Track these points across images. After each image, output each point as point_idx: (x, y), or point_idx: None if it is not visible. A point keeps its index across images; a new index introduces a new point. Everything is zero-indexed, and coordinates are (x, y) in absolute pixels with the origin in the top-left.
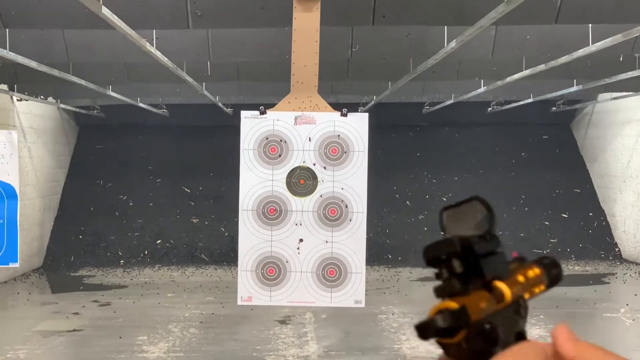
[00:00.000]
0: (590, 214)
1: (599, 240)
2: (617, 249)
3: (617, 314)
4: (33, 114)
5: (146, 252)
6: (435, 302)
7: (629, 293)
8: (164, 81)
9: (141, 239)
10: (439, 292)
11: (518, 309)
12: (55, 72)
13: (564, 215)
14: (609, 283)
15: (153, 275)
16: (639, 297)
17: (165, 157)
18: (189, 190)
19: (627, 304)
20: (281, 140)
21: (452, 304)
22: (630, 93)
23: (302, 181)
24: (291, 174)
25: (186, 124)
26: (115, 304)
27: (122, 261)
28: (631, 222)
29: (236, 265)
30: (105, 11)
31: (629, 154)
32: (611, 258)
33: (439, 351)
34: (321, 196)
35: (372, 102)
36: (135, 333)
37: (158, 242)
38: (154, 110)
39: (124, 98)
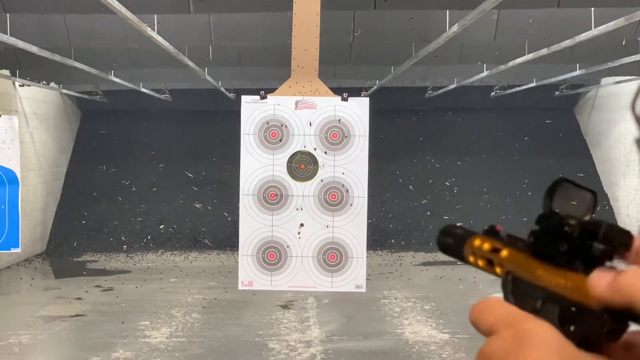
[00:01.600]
0: None
1: None
2: None
3: None
4: (35, 99)
5: (149, 237)
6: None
7: None
8: (166, 66)
9: (144, 224)
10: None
11: None
12: (57, 58)
13: None
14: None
15: (156, 260)
16: None
17: (168, 142)
18: (192, 175)
19: None
20: (282, 125)
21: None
22: (634, 77)
23: (302, 166)
24: (292, 158)
25: (189, 109)
26: (118, 289)
27: (125, 246)
28: (634, 206)
29: (239, 249)
30: None
31: (632, 138)
32: None
33: (441, 335)
34: (322, 181)
35: (375, 87)
36: (137, 318)
37: (161, 227)
38: (157, 95)
39: (126, 83)
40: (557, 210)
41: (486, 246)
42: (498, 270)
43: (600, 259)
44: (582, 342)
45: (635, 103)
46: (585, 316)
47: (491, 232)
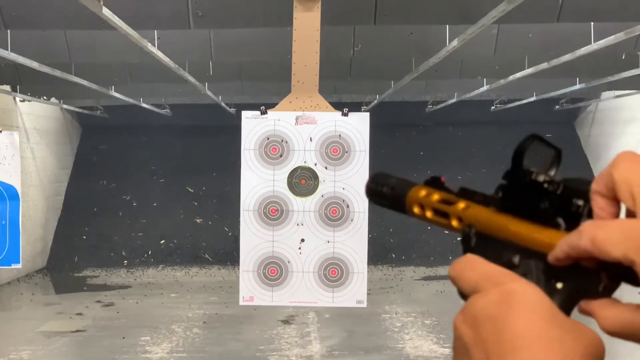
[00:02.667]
0: None
1: None
2: None
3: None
4: (36, 114)
5: (150, 253)
6: None
7: (634, 291)
8: (166, 81)
9: (145, 239)
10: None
11: None
12: (58, 73)
13: None
14: None
15: (157, 276)
16: None
17: (168, 157)
18: (192, 190)
19: None
20: (282, 140)
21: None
22: (634, 91)
23: (303, 181)
24: (292, 174)
25: (189, 124)
26: (118, 305)
27: (125, 261)
28: None
29: (239, 265)
30: (106, 12)
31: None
32: None
33: (442, 350)
34: (322, 196)
35: (375, 102)
36: (138, 333)
37: (162, 242)
38: (157, 110)
39: (126, 98)
40: (530, 168)
41: (436, 197)
42: (454, 223)
43: (582, 216)
44: (569, 300)
45: None
46: (575, 273)
47: (435, 183)
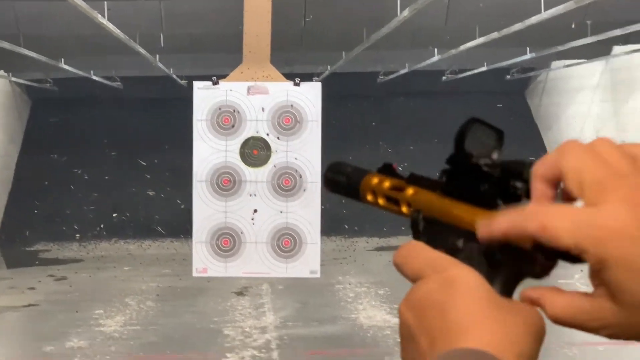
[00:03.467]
0: None
1: None
2: None
3: (571, 279)
4: None
5: (102, 226)
6: None
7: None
8: (117, 54)
9: (97, 213)
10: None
11: None
12: (6, 45)
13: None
14: None
15: (109, 249)
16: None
17: (120, 130)
18: (144, 163)
19: (582, 270)
20: (234, 111)
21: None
22: (583, 60)
23: (255, 151)
24: (245, 144)
25: (141, 96)
26: (71, 278)
27: (77, 235)
28: None
29: (192, 236)
30: None
31: (582, 120)
32: None
33: (395, 320)
34: (275, 166)
35: (327, 72)
36: (91, 307)
37: (114, 215)
38: (108, 83)
39: (77, 71)
40: (471, 151)
41: (387, 184)
42: (404, 209)
43: (521, 198)
44: (509, 281)
45: None
46: (513, 254)
47: (387, 170)
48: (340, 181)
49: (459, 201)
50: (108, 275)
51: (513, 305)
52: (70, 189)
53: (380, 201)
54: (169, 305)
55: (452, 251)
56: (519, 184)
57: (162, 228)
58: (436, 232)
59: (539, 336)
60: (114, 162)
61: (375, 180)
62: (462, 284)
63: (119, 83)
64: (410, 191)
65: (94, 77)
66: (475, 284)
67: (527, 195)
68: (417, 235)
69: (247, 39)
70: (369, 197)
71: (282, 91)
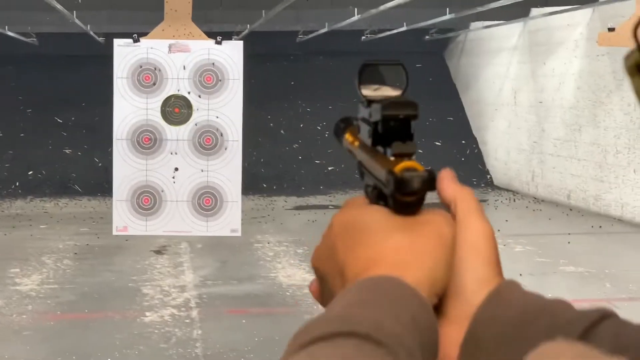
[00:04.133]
0: (463, 141)
1: (472, 167)
2: (488, 177)
3: None
4: None
5: (17, 184)
6: None
7: (501, 219)
8: (33, 9)
9: (12, 171)
10: (399, 149)
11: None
12: None
13: (437, 143)
14: None
15: (25, 207)
16: (510, 223)
17: (35, 88)
18: (61, 121)
19: (499, 230)
20: (155, 69)
21: (419, 166)
22: (502, 22)
23: (177, 110)
24: (166, 102)
25: (57, 53)
26: None
27: None
28: (502, 149)
29: (111, 196)
30: None
31: (500, 82)
32: (483, 185)
33: (312, 277)
34: (196, 124)
35: (246, 31)
36: (6, 265)
37: (30, 173)
38: (23, 39)
39: None
40: (368, 96)
41: (349, 139)
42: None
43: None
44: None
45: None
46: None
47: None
48: (337, 137)
49: (367, 151)
50: (24, 234)
51: (421, 222)
52: None
53: (350, 152)
54: (86, 264)
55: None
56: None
57: (79, 186)
58: (362, 173)
59: (450, 244)
60: (30, 120)
61: (348, 135)
62: (368, 207)
63: (34, 39)
64: (355, 144)
65: (9, 33)
66: (384, 215)
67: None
68: (362, 177)
69: None
70: (348, 151)
71: (203, 49)
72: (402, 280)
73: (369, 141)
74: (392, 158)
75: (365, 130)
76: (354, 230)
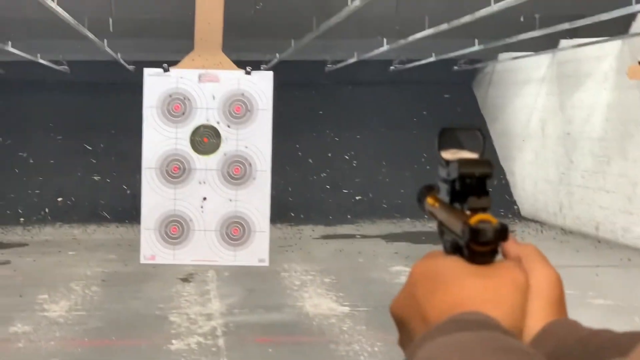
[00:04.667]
0: None
1: (499, 198)
2: (516, 207)
3: None
4: None
5: (47, 210)
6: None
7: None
8: (64, 37)
9: (42, 197)
10: (474, 203)
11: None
12: None
13: None
14: None
15: (54, 233)
16: None
17: (66, 114)
18: (90, 148)
19: None
20: (185, 98)
21: (492, 218)
22: (530, 53)
23: (205, 139)
24: (195, 132)
25: (87, 80)
26: (15, 263)
27: (22, 219)
28: (530, 180)
29: (139, 223)
30: None
31: (528, 113)
32: (510, 216)
33: (341, 308)
34: (225, 154)
35: (275, 60)
36: (36, 292)
37: (59, 199)
38: (55, 67)
39: (23, 54)
40: (447, 158)
41: (430, 201)
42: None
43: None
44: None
45: None
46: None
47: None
48: (419, 203)
49: (446, 208)
50: (53, 260)
51: (496, 268)
52: (15, 173)
53: (431, 216)
54: (114, 291)
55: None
56: (468, 180)
57: (108, 213)
58: (442, 231)
59: (523, 288)
60: (60, 147)
61: (430, 199)
62: (446, 258)
63: (66, 67)
64: (436, 205)
65: (41, 61)
66: (461, 263)
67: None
68: (440, 236)
69: (199, 26)
70: (429, 214)
71: (233, 79)
72: (487, 314)
73: (447, 199)
74: (468, 212)
75: (444, 189)
76: (433, 278)
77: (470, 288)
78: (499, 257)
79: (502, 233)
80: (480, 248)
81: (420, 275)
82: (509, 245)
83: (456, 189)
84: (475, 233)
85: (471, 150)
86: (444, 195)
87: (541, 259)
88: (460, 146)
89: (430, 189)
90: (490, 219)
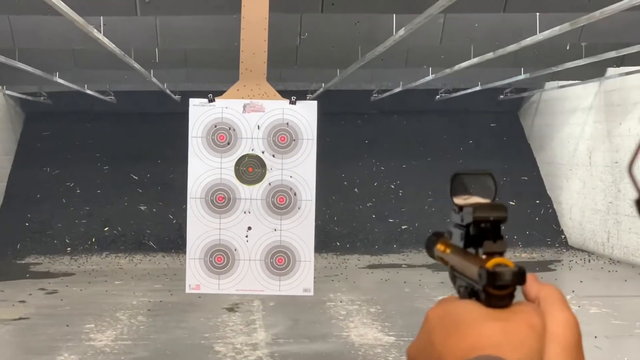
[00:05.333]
0: (537, 201)
1: (546, 227)
2: (563, 237)
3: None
4: None
5: (93, 240)
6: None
7: (575, 280)
8: (111, 68)
9: (88, 227)
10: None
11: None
12: (1, 58)
13: (511, 202)
14: (555, 270)
15: (100, 263)
16: (584, 284)
17: (112, 144)
18: (136, 178)
19: (573, 291)
20: (230, 128)
21: (509, 262)
22: (577, 81)
23: (250, 169)
24: (240, 161)
25: (134, 111)
26: (62, 292)
27: (69, 249)
28: (577, 209)
29: (184, 252)
30: None
31: (575, 142)
32: (557, 245)
33: (386, 338)
34: (270, 184)
35: (321, 90)
36: (82, 321)
37: (105, 229)
38: (102, 97)
39: (71, 85)
40: (460, 204)
41: (441, 248)
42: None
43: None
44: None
45: (632, 165)
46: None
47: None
48: (427, 250)
49: (460, 253)
50: (99, 289)
51: (513, 312)
52: (62, 203)
53: (441, 262)
54: (160, 321)
55: (460, 290)
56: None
57: (154, 243)
58: (455, 276)
59: (540, 332)
60: (106, 176)
61: (439, 245)
62: (460, 302)
63: (112, 97)
64: (447, 250)
65: (88, 91)
66: (477, 307)
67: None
68: (453, 282)
69: (243, 57)
70: (438, 260)
71: (278, 109)
72: (504, 358)
73: (461, 244)
74: (483, 256)
75: (457, 235)
76: (449, 322)
77: (487, 332)
78: (518, 297)
79: (520, 276)
80: (497, 292)
81: (437, 320)
82: (530, 285)
83: (471, 234)
84: (492, 276)
85: (483, 195)
86: (457, 241)
87: (560, 301)
88: (472, 192)
89: (439, 236)
90: (507, 262)
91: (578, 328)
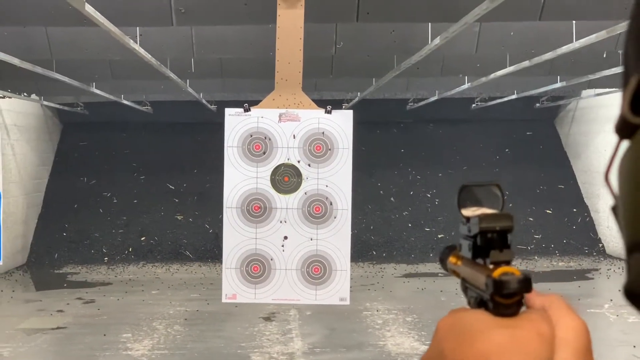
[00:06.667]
0: (574, 209)
1: (583, 236)
2: (600, 245)
3: (601, 309)
4: (16, 111)
5: (130, 249)
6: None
7: (613, 289)
8: (147, 78)
9: (125, 236)
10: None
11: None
12: (39, 69)
13: (548, 211)
14: (592, 279)
15: (137, 272)
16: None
17: (149, 154)
18: (173, 187)
19: (611, 300)
20: (265, 138)
21: (516, 270)
22: (614, 89)
23: (286, 178)
24: (275, 171)
25: (170, 120)
26: (99, 301)
27: (106, 258)
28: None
29: (220, 261)
30: (89, 8)
31: (611, 149)
32: (595, 254)
33: (423, 347)
34: (305, 193)
35: (356, 99)
36: (119, 330)
37: (142, 238)
38: (138, 107)
39: (107, 95)
40: (467, 215)
41: (453, 260)
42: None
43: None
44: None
45: (608, 174)
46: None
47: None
48: (441, 262)
49: (469, 264)
50: (136, 299)
51: (521, 320)
52: (99, 212)
53: (454, 275)
54: (196, 330)
55: (471, 300)
56: (490, 235)
57: (190, 252)
58: (466, 287)
59: (549, 339)
60: (143, 186)
61: (452, 258)
62: (470, 311)
63: (148, 107)
64: (458, 262)
65: (125, 102)
66: (486, 316)
67: (493, 244)
68: (465, 293)
69: (279, 67)
70: (451, 273)
71: (313, 119)
72: None
73: (469, 255)
74: (491, 266)
75: (466, 246)
76: (459, 332)
77: (496, 340)
78: (523, 308)
79: (526, 284)
80: (504, 300)
81: (447, 330)
82: (532, 297)
83: (478, 244)
84: (498, 285)
85: (490, 206)
86: (466, 252)
87: (566, 308)
88: (479, 203)
89: (452, 249)
90: (514, 271)
91: (588, 334)
